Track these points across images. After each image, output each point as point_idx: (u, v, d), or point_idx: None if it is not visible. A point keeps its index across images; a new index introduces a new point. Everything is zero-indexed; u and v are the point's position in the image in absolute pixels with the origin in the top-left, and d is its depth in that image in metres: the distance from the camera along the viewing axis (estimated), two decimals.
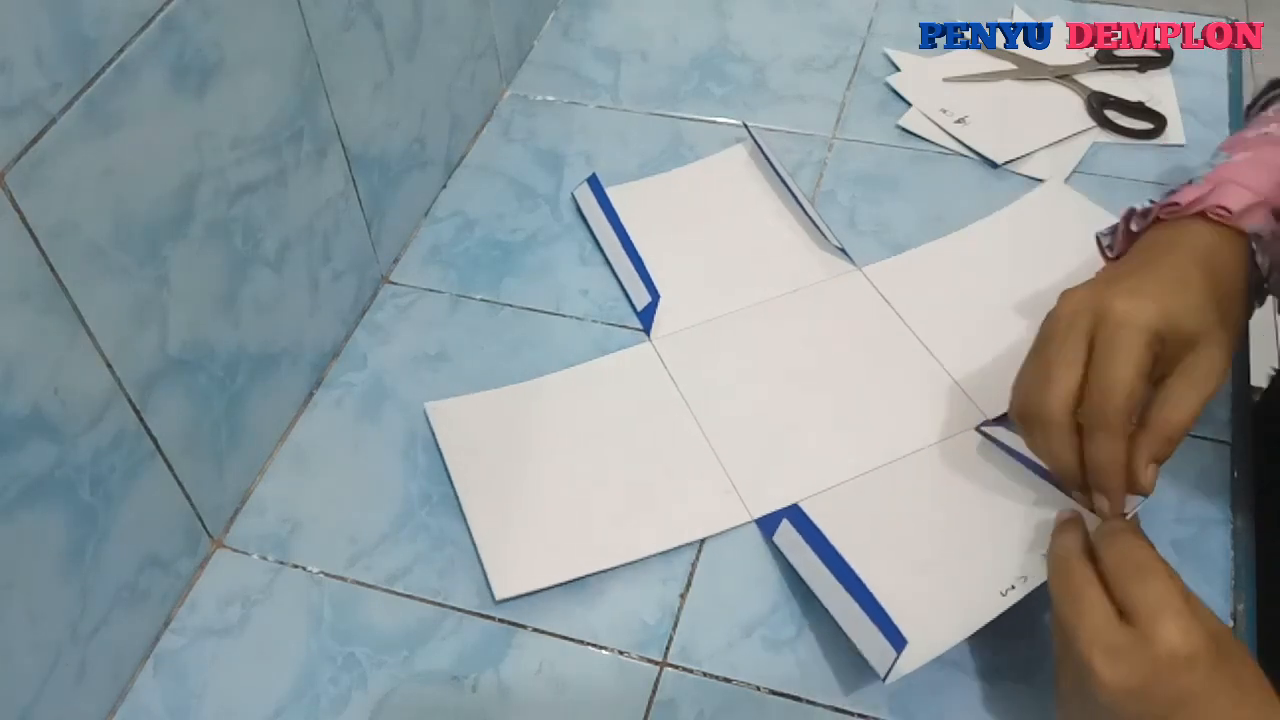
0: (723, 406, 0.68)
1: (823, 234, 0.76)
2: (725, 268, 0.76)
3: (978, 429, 0.65)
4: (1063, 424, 0.53)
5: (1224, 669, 0.45)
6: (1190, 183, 0.58)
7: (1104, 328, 0.52)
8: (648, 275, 0.75)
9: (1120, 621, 0.47)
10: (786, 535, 0.61)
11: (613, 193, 0.81)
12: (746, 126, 0.85)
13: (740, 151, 0.85)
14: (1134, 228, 0.59)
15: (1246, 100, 0.85)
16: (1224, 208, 0.55)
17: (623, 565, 0.62)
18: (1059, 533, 0.53)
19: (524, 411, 0.69)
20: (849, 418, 0.67)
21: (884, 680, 0.53)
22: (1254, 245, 0.55)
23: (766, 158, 0.82)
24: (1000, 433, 0.63)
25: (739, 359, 0.71)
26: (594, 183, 0.81)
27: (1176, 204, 0.57)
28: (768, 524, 0.63)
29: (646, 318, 0.73)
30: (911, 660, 0.53)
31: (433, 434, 0.68)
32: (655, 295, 0.73)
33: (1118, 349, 0.51)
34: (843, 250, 0.76)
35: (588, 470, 0.66)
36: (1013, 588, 0.55)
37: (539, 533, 0.63)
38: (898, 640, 0.53)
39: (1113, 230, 0.62)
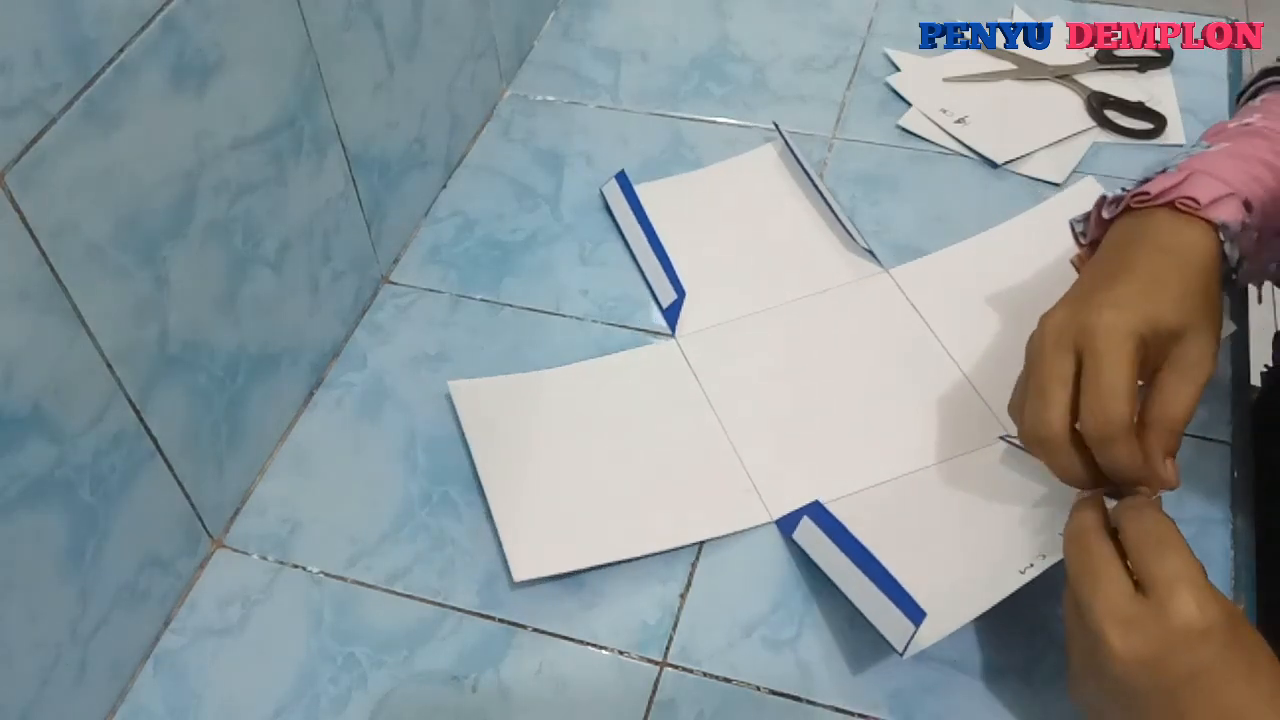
0: (745, 405, 0.68)
1: (850, 235, 0.76)
2: (752, 267, 0.77)
3: (1003, 438, 0.65)
4: (1066, 440, 0.53)
5: (1238, 646, 0.45)
6: (1165, 171, 0.58)
7: (1089, 341, 0.52)
8: (674, 272, 0.75)
9: (1136, 594, 0.46)
10: (807, 531, 0.61)
11: (641, 189, 0.81)
12: (776, 126, 0.85)
13: (770, 151, 0.85)
14: (1106, 215, 0.59)
15: None
16: (1192, 199, 0.55)
17: (627, 562, 0.62)
18: (1077, 509, 0.53)
19: (546, 397, 0.69)
20: (871, 424, 0.67)
21: (901, 654, 0.53)
22: (1222, 237, 0.55)
23: (796, 158, 0.82)
24: None
25: (763, 359, 0.71)
26: (622, 179, 0.82)
27: (1147, 193, 0.56)
28: (786, 524, 0.63)
29: (672, 315, 0.73)
30: (929, 634, 0.53)
31: (454, 412, 0.69)
32: (681, 292, 0.74)
33: (1107, 359, 0.51)
34: (871, 253, 0.76)
35: (608, 460, 0.66)
36: (1031, 565, 0.55)
37: (559, 517, 0.63)
38: (915, 613, 0.53)
39: (1086, 217, 0.62)
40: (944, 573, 0.57)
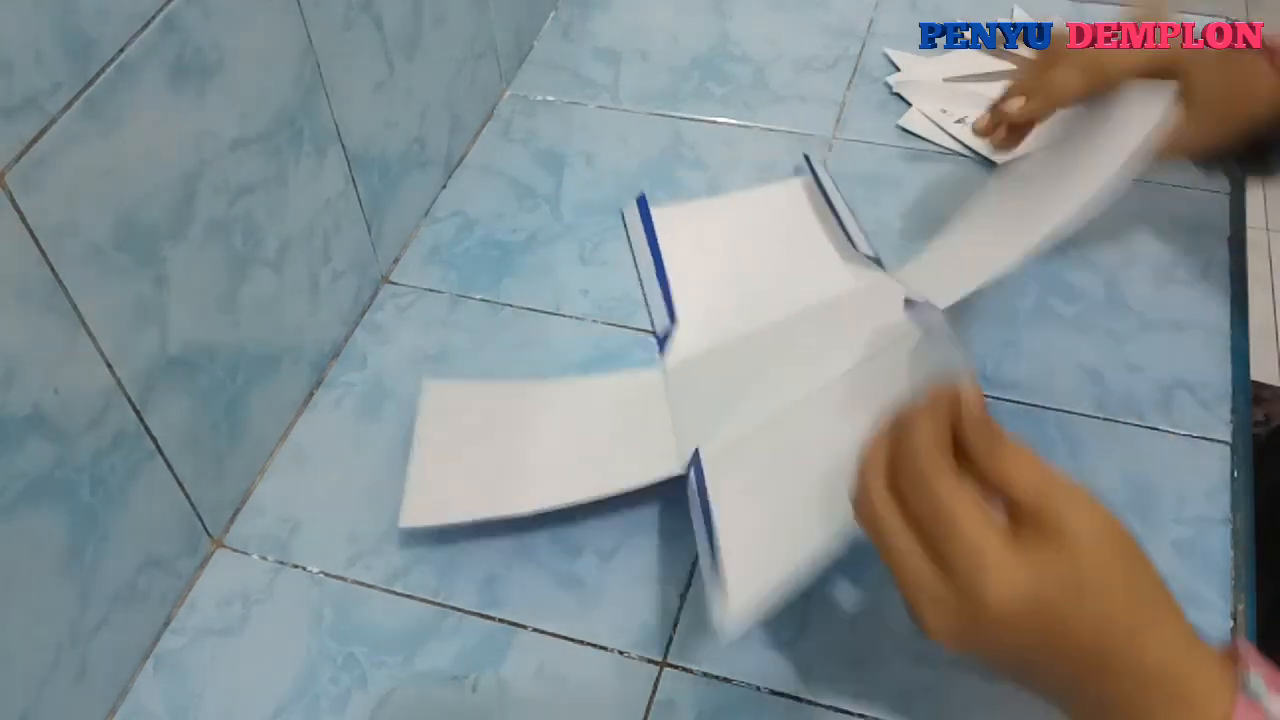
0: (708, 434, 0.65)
1: (854, 245, 0.75)
2: (752, 298, 0.74)
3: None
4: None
5: (1054, 616, 0.41)
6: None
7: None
8: (671, 301, 0.74)
9: (940, 573, 0.42)
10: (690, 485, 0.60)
11: (659, 213, 0.80)
12: (807, 159, 0.83)
13: (797, 186, 0.83)
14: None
15: None
16: None
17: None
18: (863, 464, 0.45)
19: (513, 411, 0.68)
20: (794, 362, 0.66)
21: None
22: None
23: (822, 190, 0.80)
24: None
25: (741, 389, 0.68)
26: (641, 203, 0.81)
27: None
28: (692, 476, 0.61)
29: (662, 342, 0.73)
30: (745, 605, 0.50)
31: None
32: (674, 321, 0.73)
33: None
34: (880, 264, 0.74)
35: (544, 475, 0.64)
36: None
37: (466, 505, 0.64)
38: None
39: None
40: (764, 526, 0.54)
